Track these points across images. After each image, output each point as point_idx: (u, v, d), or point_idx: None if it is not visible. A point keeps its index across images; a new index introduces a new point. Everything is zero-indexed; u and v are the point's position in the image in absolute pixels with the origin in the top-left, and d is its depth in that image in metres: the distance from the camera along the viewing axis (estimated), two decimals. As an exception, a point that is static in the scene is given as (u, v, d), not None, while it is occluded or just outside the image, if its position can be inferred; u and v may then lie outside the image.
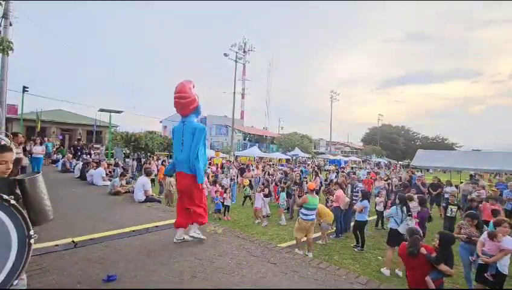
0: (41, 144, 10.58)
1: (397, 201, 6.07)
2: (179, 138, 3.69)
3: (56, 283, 2.59)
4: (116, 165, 13.73)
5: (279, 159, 30.78)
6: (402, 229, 5.58)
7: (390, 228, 5.87)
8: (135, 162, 17.55)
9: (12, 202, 1.67)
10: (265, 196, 9.67)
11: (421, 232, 3.97)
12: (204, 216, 3.82)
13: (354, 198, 8.56)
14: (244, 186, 11.90)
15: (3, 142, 1.87)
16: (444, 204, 8.85)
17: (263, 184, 10.22)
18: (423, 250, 3.72)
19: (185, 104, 3.64)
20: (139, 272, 2.86)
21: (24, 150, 7.91)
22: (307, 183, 11.21)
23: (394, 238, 5.70)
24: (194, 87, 3.74)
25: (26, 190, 1.88)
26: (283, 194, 9.51)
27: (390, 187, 13.24)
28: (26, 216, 1.71)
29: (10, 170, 1.87)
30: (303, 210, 6.15)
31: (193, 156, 3.55)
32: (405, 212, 5.79)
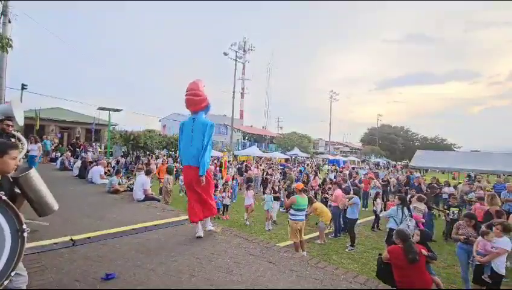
0: (36, 142, 10.33)
1: (398, 201, 6.10)
2: (189, 133, 3.86)
3: (54, 281, 2.59)
4: (117, 163, 13.71)
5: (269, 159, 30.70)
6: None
7: (390, 228, 5.89)
8: (123, 159, 17.60)
9: (4, 197, 1.70)
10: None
11: (409, 232, 4.12)
12: (215, 207, 4.09)
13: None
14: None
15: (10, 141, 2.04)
16: (445, 206, 8.80)
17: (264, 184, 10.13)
18: (424, 252, 3.69)
19: (197, 101, 3.87)
20: (137, 271, 2.86)
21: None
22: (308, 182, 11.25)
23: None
24: (204, 86, 3.99)
25: (22, 186, 2.00)
26: (269, 196, 8.86)
27: (389, 188, 13.28)
28: (18, 211, 1.77)
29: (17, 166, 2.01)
30: (292, 211, 6.05)
31: (204, 150, 3.74)
32: (405, 213, 5.81)
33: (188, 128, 3.92)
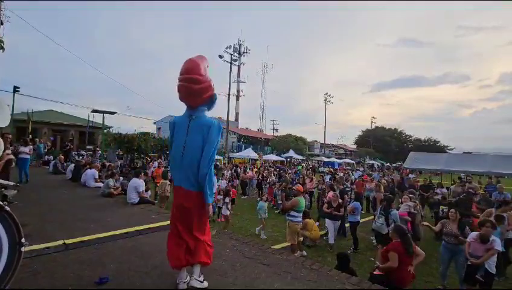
0: (27, 144, 9.90)
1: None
2: (181, 138, 2.55)
3: (46, 286, 2.56)
4: (104, 166, 13.57)
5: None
6: (374, 226, 6.40)
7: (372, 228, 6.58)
8: (119, 162, 17.50)
9: (7, 208, 1.68)
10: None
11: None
12: (210, 254, 2.67)
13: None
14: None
15: None
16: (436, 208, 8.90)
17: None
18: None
19: (197, 90, 2.47)
20: (131, 274, 2.85)
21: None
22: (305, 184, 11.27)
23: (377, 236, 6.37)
24: (208, 67, 2.63)
25: None
26: (263, 204, 8.13)
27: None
28: (19, 223, 1.73)
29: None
30: (292, 212, 6.02)
31: (204, 165, 2.42)
32: (377, 211, 6.45)
33: (181, 129, 2.57)
